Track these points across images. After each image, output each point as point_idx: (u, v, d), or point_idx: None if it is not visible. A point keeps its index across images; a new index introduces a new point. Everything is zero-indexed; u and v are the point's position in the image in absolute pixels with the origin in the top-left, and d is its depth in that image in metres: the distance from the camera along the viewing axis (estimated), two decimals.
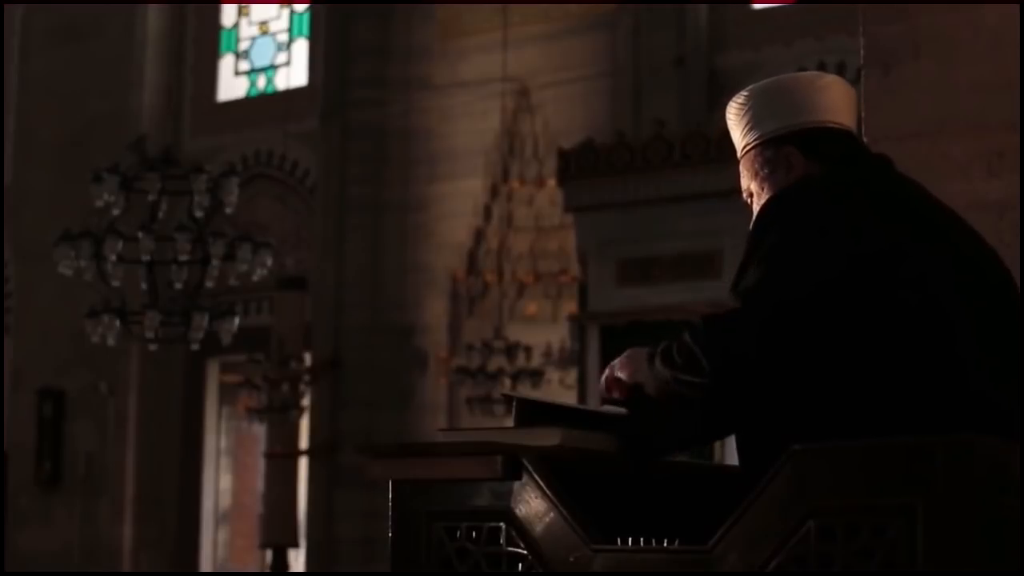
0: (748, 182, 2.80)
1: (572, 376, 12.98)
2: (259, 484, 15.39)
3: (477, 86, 14.30)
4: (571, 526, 2.38)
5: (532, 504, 2.43)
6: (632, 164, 12.07)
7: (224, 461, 16.34)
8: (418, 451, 2.61)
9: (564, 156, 12.70)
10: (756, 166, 2.77)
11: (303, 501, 14.73)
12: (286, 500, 14.34)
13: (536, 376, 12.92)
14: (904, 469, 2.15)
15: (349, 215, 14.77)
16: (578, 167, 12.47)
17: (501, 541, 2.45)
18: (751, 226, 2.68)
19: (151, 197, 8.69)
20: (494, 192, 14.21)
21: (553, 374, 13.35)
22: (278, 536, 14.17)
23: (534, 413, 2.75)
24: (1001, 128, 3.29)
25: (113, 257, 8.68)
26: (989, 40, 3.33)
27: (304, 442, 14.81)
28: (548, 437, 2.55)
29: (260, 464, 15.18)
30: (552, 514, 2.41)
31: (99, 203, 8.66)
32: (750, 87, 2.82)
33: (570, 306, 13.21)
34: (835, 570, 2.17)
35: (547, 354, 13.48)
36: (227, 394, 16.02)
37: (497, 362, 12.99)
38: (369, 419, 14.16)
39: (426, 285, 14.51)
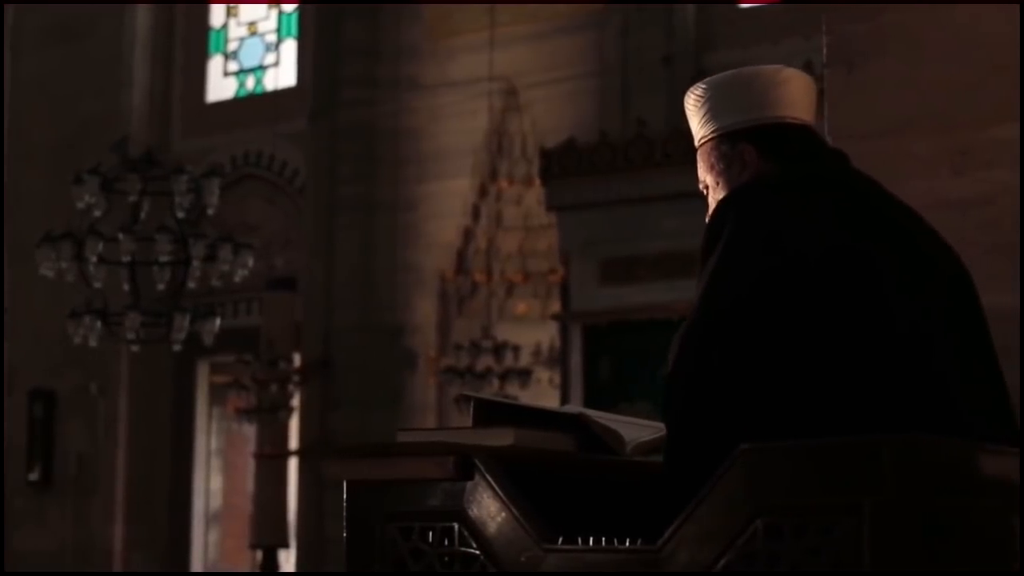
0: (704, 174, 2.78)
1: None
2: (250, 485, 15.38)
3: (466, 86, 14.31)
4: (522, 526, 2.38)
5: (484, 504, 2.42)
6: (614, 164, 12.08)
7: (215, 462, 16.35)
8: (372, 451, 2.60)
9: (547, 155, 12.70)
10: (712, 159, 2.75)
11: (293, 501, 14.73)
12: (276, 500, 14.34)
13: (524, 376, 12.92)
14: (851, 468, 2.14)
15: (338, 215, 14.78)
16: (561, 167, 12.47)
17: (454, 541, 2.45)
18: (706, 223, 2.67)
19: (132, 198, 8.68)
20: (483, 192, 14.21)
21: (543, 373, 13.35)
22: (268, 536, 14.18)
23: (492, 413, 2.75)
24: (966, 126, 3.28)
25: (94, 258, 8.68)
26: (955, 39, 3.32)
27: (294, 442, 14.81)
28: (502, 437, 2.54)
29: (251, 465, 15.17)
30: (504, 514, 2.40)
31: (80, 204, 8.67)
32: (709, 78, 2.80)
33: (559, 306, 13.22)
34: (783, 569, 2.16)
35: (536, 353, 13.49)
36: (217, 395, 16.03)
37: (485, 362, 13.00)
38: (359, 419, 14.16)
39: (415, 285, 14.51)
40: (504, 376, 12.85)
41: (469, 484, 2.44)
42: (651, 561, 2.26)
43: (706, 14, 13.36)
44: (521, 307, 13.76)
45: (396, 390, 14.36)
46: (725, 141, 2.74)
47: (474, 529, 2.43)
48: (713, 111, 2.75)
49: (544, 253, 13.64)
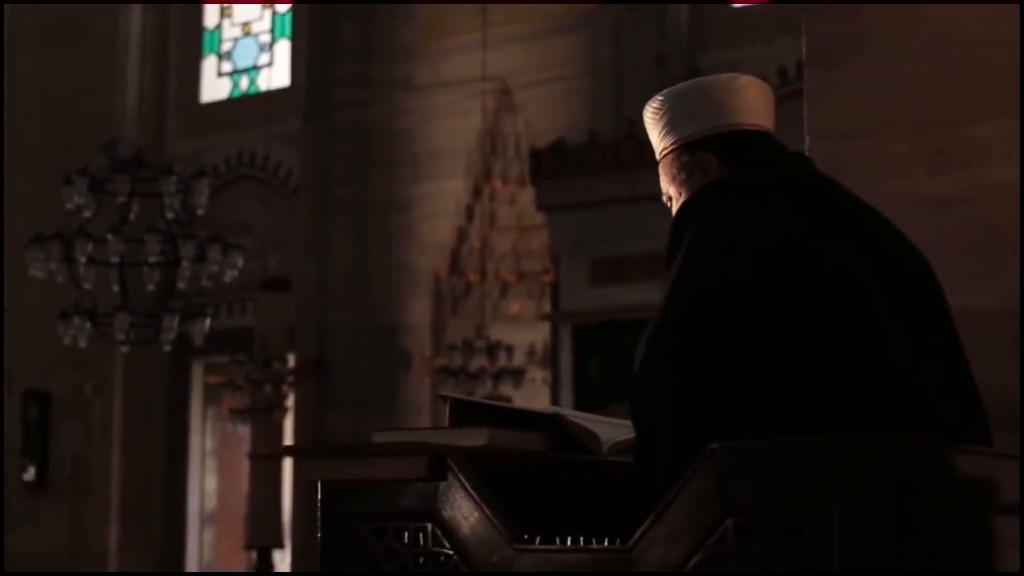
0: (667, 186, 2.79)
1: None
2: (245, 485, 15.38)
3: (459, 86, 14.31)
4: (495, 526, 2.38)
5: (457, 504, 2.43)
6: (604, 163, 12.08)
7: (210, 462, 16.34)
8: (345, 452, 2.61)
9: (536, 156, 12.71)
10: (673, 170, 2.76)
11: (288, 502, 14.73)
12: (271, 501, 14.33)
13: (518, 375, 12.91)
14: (821, 468, 2.14)
15: (332, 216, 14.79)
16: (551, 167, 12.48)
17: (428, 542, 2.45)
18: (670, 226, 2.67)
19: (121, 199, 8.69)
20: (476, 192, 14.22)
21: (537, 373, 13.34)
22: (263, 537, 14.16)
23: (468, 413, 2.75)
24: (943, 126, 3.28)
25: (83, 259, 8.69)
26: (932, 38, 3.33)
27: (289, 443, 14.80)
28: (476, 437, 2.54)
29: (245, 465, 15.17)
30: (477, 514, 2.40)
31: (70, 205, 8.68)
32: (666, 90, 2.81)
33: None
34: (752, 569, 2.16)
35: (531, 353, 13.48)
36: (212, 395, 16.02)
37: (479, 362, 13.00)
38: (353, 419, 14.16)
39: (410, 285, 14.52)
40: (498, 376, 12.84)
41: (442, 484, 2.45)
42: (622, 561, 2.27)
43: (699, 14, 13.36)
44: (515, 307, 13.76)
45: (390, 390, 14.37)
46: (685, 151, 2.75)
47: (447, 529, 2.44)
48: (672, 123, 2.76)
49: (538, 253, 13.64)
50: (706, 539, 2.20)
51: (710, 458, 2.22)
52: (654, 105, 2.79)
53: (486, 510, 2.39)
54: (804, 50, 3.41)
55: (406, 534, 2.48)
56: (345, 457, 2.59)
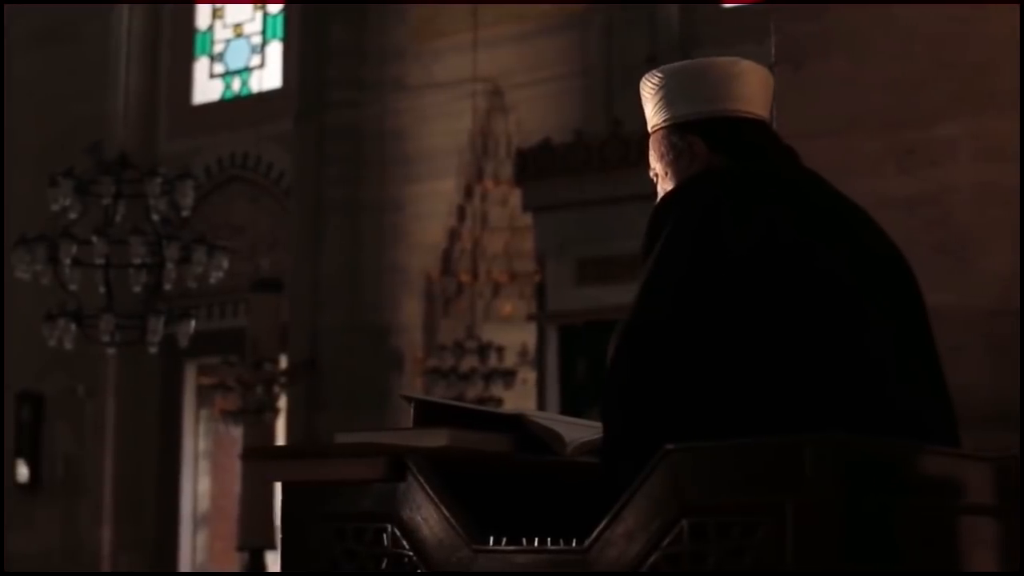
0: (654, 162, 2.77)
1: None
2: (238, 486, 15.37)
3: (451, 87, 14.31)
4: (453, 527, 2.38)
5: (417, 505, 2.43)
6: (589, 163, 12.07)
7: (202, 463, 16.34)
8: (306, 453, 2.61)
9: (523, 156, 12.70)
10: (662, 149, 2.74)
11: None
12: (263, 502, 14.31)
13: (508, 376, 12.90)
14: (774, 468, 2.13)
15: (324, 216, 14.79)
16: (537, 167, 12.47)
17: (387, 543, 2.45)
18: (651, 212, 2.66)
19: (105, 201, 8.69)
20: (468, 192, 14.22)
21: (528, 374, 13.33)
22: (255, 538, 14.15)
23: (431, 414, 2.75)
24: (911, 125, 3.29)
25: (68, 261, 8.70)
26: (900, 38, 3.33)
27: (281, 443, 14.78)
28: (436, 438, 2.54)
29: (238, 466, 15.16)
30: (435, 515, 2.40)
31: (55, 207, 8.69)
32: (665, 67, 2.78)
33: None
34: (708, 569, 2.16)
35: (523, 354, 13.47)
36: (205, 396, 16.01)
37: (470, 362, 12.99)
38: (346, 420, 14.14)
39: (402, 286, 14.52)
40: (488, 377, 12.83)
41: (402, 485, 2.44)
42: (579, 562, 2.27)
43: (690, 14, 13.36)
44: (507, 307, 13.76)
45: (382, 391, 14.35)
46: (675, 131, 2.72)
47: (407, 530, 2.43)
48: (666, 100, 2.74)
49: (529, 254, 13.64)
50: (662, 539, 2.20)
51: (666, 459, 2.21)
52: (653, 80, 2.76)
53: (445, 511, 2.39)
54: (773, 50, 3.41)
55: (366, 535, 2.47)
56: (306, 458, 2.59)
